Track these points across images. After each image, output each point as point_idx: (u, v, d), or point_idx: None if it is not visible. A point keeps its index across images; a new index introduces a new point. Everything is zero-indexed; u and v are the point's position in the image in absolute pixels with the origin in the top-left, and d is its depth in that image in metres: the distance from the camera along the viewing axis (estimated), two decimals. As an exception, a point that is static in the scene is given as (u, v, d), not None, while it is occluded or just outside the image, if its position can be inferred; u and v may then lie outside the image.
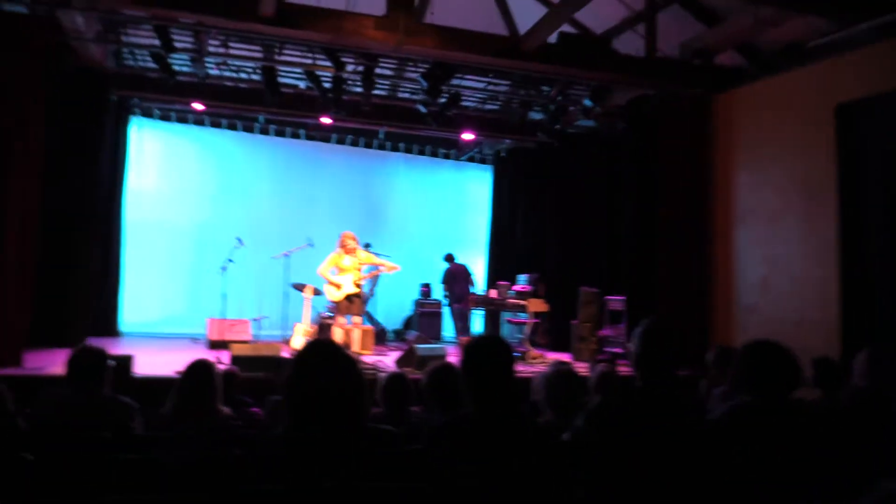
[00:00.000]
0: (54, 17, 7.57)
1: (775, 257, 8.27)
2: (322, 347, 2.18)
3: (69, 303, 9.22)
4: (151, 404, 4.06)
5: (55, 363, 6.84)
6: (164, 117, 11.47)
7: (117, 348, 8.02)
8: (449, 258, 11.64)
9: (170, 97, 10.28)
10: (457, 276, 11.38)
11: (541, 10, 8.34)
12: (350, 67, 9.26)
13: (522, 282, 10.73)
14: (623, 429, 2.40)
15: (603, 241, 11.06)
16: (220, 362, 6.99)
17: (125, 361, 6.45)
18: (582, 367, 7.61)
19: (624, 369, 6.24)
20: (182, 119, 11.57)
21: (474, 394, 2.55)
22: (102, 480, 2.09)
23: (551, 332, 10.79)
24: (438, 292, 11.87)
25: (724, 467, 2.37)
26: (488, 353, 2.57)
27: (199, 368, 3.55)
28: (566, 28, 8.35)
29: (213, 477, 1.87)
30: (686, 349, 7.35)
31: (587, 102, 9.51)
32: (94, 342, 3.85)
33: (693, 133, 9.30)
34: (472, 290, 11.08)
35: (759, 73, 8.52)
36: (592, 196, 11.29)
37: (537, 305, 9.74)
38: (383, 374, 4.19)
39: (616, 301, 9.71)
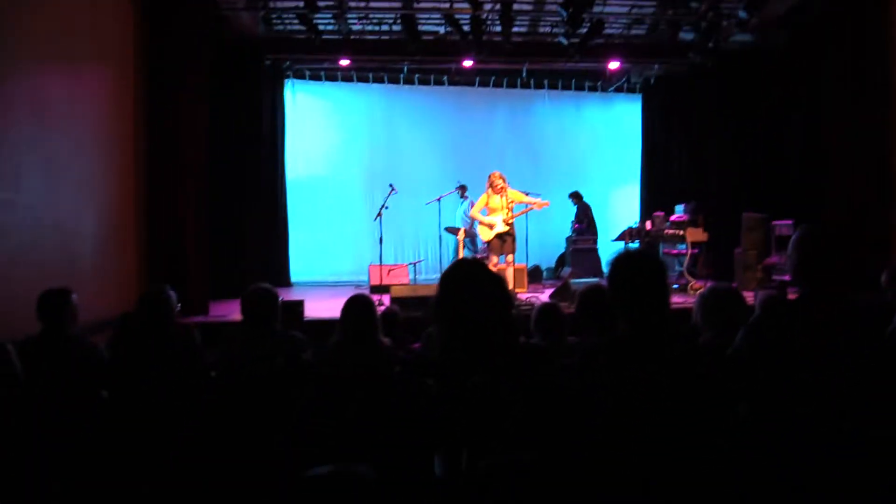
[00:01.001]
0: (208, -11, 8.05)
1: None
2: (467, 266, 2.22)
3: (244, 257, 10.05)
4: (324, 342, 4.35)
5: (236, 311, 7.46)
6: (315, 77, 11.95)
7: (289, 295, 8.61)
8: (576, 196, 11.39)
9: (317, 56, 10.69)
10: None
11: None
12: (488, 6, 9.14)
13: (680, 212, 10.29)
14: (785, 342, 2.24)
15: (767, 164, 10.34)
16: (382, 304, 7.35)
17: (297, 306, 6.95)
18: (748, 297, 7.26)
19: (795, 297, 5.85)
20: (331, 77, 12.00)
21: (625, 311, 2.42)
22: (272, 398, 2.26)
23: (713, 263, 10.30)
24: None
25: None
26: (636, 266, 2.37)
27: (358, 301, 3.73)
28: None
29: (371, 387, 1.98)
30: (863, 273, 6.77)
31: (742, 14, 8.81)
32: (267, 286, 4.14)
33: (867, 36, 8.35)
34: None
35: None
36: (752, 117, 10.56)
37: (696, 235, 9.32)
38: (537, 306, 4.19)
39: (783, 226, 9.07)
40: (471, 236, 9.19)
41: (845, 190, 8.35)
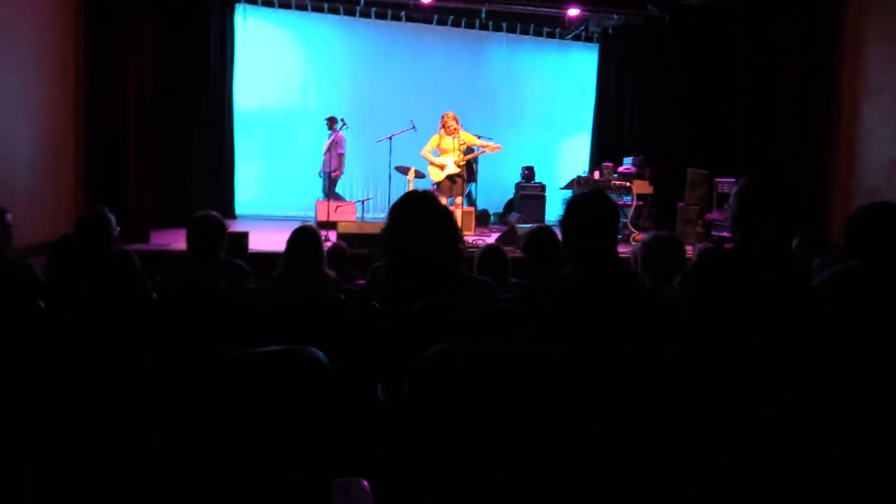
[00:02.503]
0: None
1: (906, 136, 7.63)
2: (418, 196, 2.23)
3: (188, 187, 9.81)
4: (266, 275, 4.33)
5: (178, 241, 7.35)
6: (267, 3, 11.54)
7: (234, 227, 8.47)
8: None
9: (272, -19, 10.31)
10: None
11: None
12: (450, -59, 8.94)
13: (628, 164, 10.43)
14: (717, 288, 2.33)
15: (714, 122, 10.51)
16: (328, 240, 7.31)
17: (241, 237, 6.87)
18: (687, 251, 7.47)
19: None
20: (284, 4, 11.61)
21: (572, 250, 2.43)
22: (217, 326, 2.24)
23: (657, 216, 10.53)
24: (541, 175, 11.77)
25: (823, 332, 2.29)
26: (590, 206, 2.39)
27: (304, 232, 3.72)
28: None
29: (315, 315, 1.99)
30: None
31: (703, -31, 8.83)
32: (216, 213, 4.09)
33: (820, 1, 8.48)
34: None
35: (903, -74, 7.60)
36: (704, 74, 10.65)
37: (642, 187, 9.50)
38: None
39: (726, 183, 9.30)
40: (420, 176, 9.16)
41: (788, 151, 8.57)
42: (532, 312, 1.94)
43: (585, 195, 2.53)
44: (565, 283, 2.30)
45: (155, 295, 2.47)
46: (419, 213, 2.14)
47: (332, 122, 10.37)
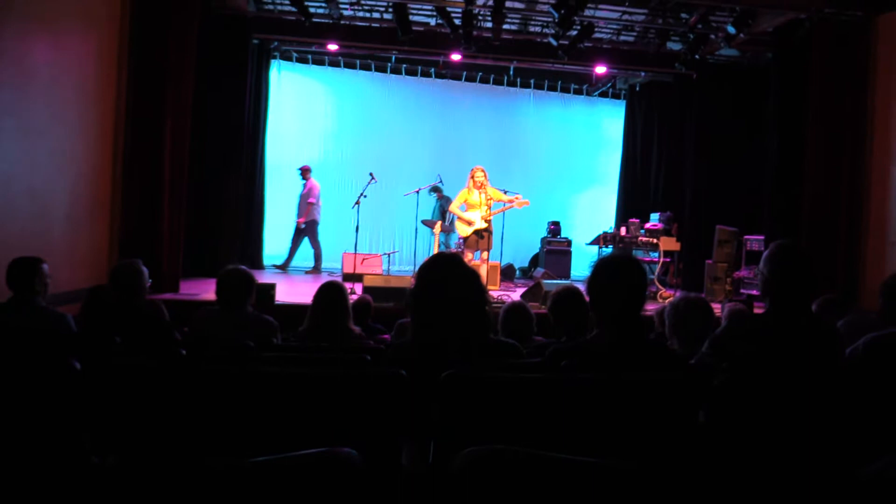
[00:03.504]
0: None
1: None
2: (445, 259, 2.24)
3: (219, 238, 9.96)
4: (292, 328, 4.35)
5: (208, 291, 7.43)
6: (302, 59, 11.88)
7: (261, 278, 8.55)
8: None
9: (306, 39, 10.61)
10: None
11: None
12: (480, 2, 9.16)
13: (655, 220, 10.41)
14: (749, 356, 2.30)
15: (743, 179, 10.49)
16: (354, 293, 7.34)
17: (269, 289, 6.92)
18: (715, 308, 7.38)
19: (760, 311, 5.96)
20: (318, 61, 11.94)
21: (600, 314, 2.41)
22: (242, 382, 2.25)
23: (684, 273, 10.44)
24: (567, 230, 11.78)
25: (860, 402, 2.23)
26: (619, 271, 2.38)
27: (330, 288, 3.75)
28: (708, -52, 7.83)
29: (341, 373, 1.99)
30: (833, 291, 6.92)
31: (730, 29, 8.93)
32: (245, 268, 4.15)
33: (849, 60, 8.50)
34: None
35: (930, -11, 7.66)
36: (732, 131, 10.68)
37: (669, 244, 9.45)
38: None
39: (755, 241, 9.23)
40: (447, 231, 9.23)
41: (819, 211, 8.50)
42: (559, 382, 1.92)
43: (614, 259, 2.52)
44: (592, 350, 2.28)
45: (183, 351, 2.50)
46: (447, 276, 2.15)
47: (304, 171, 10.64)
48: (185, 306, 6.83)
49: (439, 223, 9.29)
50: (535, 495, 1.12)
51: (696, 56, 10.02)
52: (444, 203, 10.57)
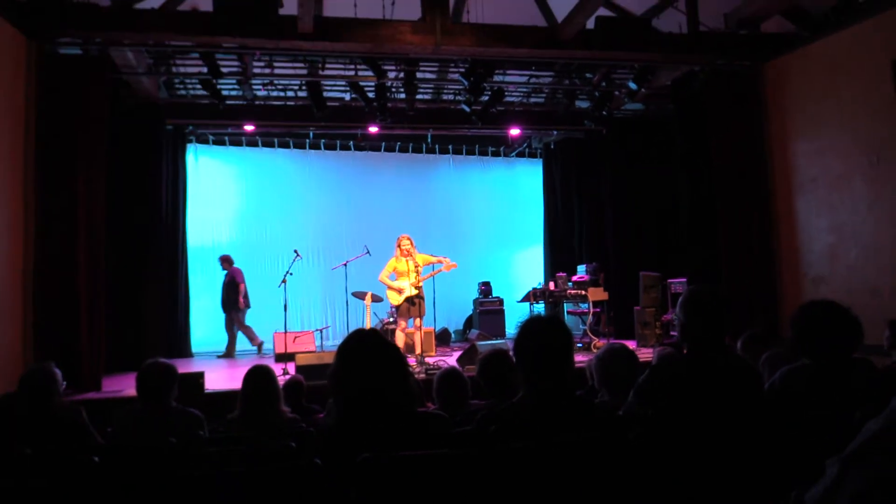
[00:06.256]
0: (107, 55, 7.90)
1: (841, 225, 7.97)
2: (362, 337, 2.22)
3: (143, 328, 9.62)
4: (224, 416, 4.21)
5: (132, 386, 7.12)
6: (218, 142, 11.82)
7: (189, 367, 8.28)
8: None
9: (221, 121, 10.63)
10: None
11: (576, -3, 8.27)
12: (392, 74, 9.38)
13: (581, 272, 10.63)
14: (672, 398, 2.34)
15: (660, 225, 10.88)
16: (287, 373, 7.18)
17: (197, 378, 6.69)
18: (647, 353, 7.51)
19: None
20: (235, 142, 11.91)
21: (526, 376, 2.41)
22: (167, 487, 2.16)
23: (615, 321, 10.64)
24: (498, 289, 11.88)
25: (779, 432, 2.29)
26: (543, 332, 2.41)
27: (258, 372, 3.66)
28: (604, 12, 8.26)
29: (264, 464, 1.92)
30: (755, 326, 7.15)
31: (632, 85, 9.39)
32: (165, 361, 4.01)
33: (744, 105, 9.03)
34: None
35: (809, 37, 8.24)
36: (646, 180, 11.13)
37: (597, 294, 9.64)
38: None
39: (678, 283, 9.52)
40: (377, 300, 9.17)
41: (733, 251, 8.84)
42: (485, 452, 1.90)
43: (536, 320, 2.56)
44: (518, 413, 2.28)
45: (98, 457, 2.37)
46: (365, 351, 2.13)
47: (224, 261, 10.64)
48: (108, 404, 6.53)
49: (370, 293, 9.23)
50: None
51: (604, 112, 10.46)
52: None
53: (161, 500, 2.03)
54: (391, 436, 2.01)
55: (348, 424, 2.06)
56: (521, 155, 13.60)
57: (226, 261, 10.65)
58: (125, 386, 7.36)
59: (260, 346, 10.54)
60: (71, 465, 2.35)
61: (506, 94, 10.14)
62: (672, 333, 9.26)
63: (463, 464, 1.83)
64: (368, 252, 9.53)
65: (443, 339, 10.65)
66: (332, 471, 1.78)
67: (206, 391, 6.64)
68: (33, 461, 2.71)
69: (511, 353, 2.69)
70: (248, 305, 10.49)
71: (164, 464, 2.50)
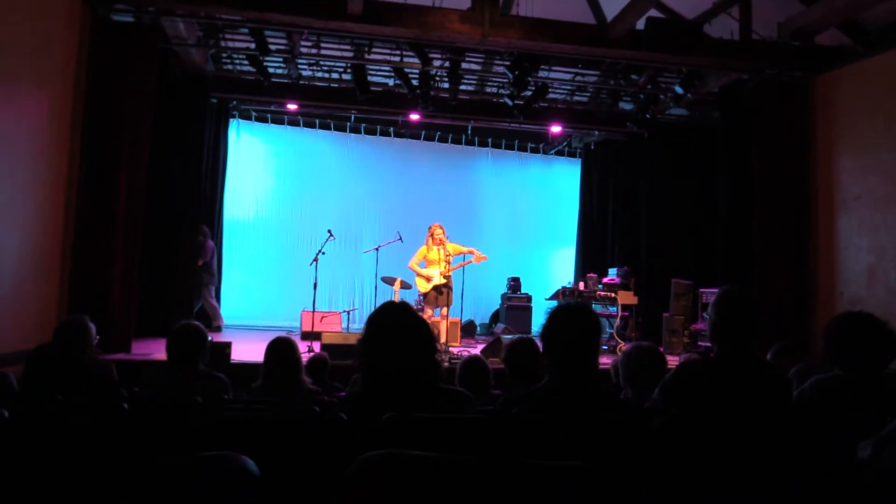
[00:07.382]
0: (159, 24, 8.03)
1: (883, 247, 7.80)
2: (393, 307, 2.24)
3: (174, 296, 9.76)
4: (247, 386, 4.27)
5: (161, 350, 7.24)
6: (261, 119, 11.95)
7: (218, 337, 8.42)
8: None
9: (265, 98, 10.71)
10: None
11: (628, -4, 8.19)
12: (437, 63, 9.38)
13: (613, 274, 10.55)
14: (698, 397, 2.32)
15: (696, 233, 10.74)
16: (312, 350, 7.25)
17: (225, 347, 6.80)
18: (673, 361, 7.43)
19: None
20: (277, 120, 12.02)
21: (552, 361, 2.40)
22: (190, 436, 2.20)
23: (642, 326, 10.55)
24: (527, 286, 11.85)
25: (806, 442, 2.25)
26: (571, 316, 2.40)
27: (280, 343, 3.71)
28: (654, 13, 8.17)
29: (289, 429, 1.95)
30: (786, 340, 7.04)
31: (678, 90, 9.28)
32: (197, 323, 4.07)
33: (791, 118, 8.87)
34: None
35: (864, 52, 8.06)
36: (684, 187, 11.00)
37: (627, 298, 9.57)
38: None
39: (710, 294, 9.39)
40: (406, 287, 9.21)
41: (769, 264, 8.70)
42: (505, 425, 1.91)
43: (566, 307, 2.54)
44: (542, 396, 2.28)
45: (127, 406, 2.42)
46: (395, 324, 2.15)
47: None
48: (137, 366, 6.66)
49: (399, 280, 9.27)
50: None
51: (648, 115, 10.34)
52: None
53: (186, 444, 2.07)
54: (415, 406, 2.02)
55: (373, 392, 2.08)
56: (560, 154, 13.53)
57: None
58: (154, 350, 7.50)
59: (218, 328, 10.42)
60: (98, 411, 2.41)
61: (549, 90, 10.07)
62: (700, 343, 9.16)
63: (485, 431, 1.83)
64: (401, 238, 9.56)
65: (468, 330, 10.65)
66: (356, 429, 1.80)
67: (231, 361, 6.72)
68: (64, 406, 2.79)
69: (538, 341, 2.68)
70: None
71: (191, 416, 2.55)
